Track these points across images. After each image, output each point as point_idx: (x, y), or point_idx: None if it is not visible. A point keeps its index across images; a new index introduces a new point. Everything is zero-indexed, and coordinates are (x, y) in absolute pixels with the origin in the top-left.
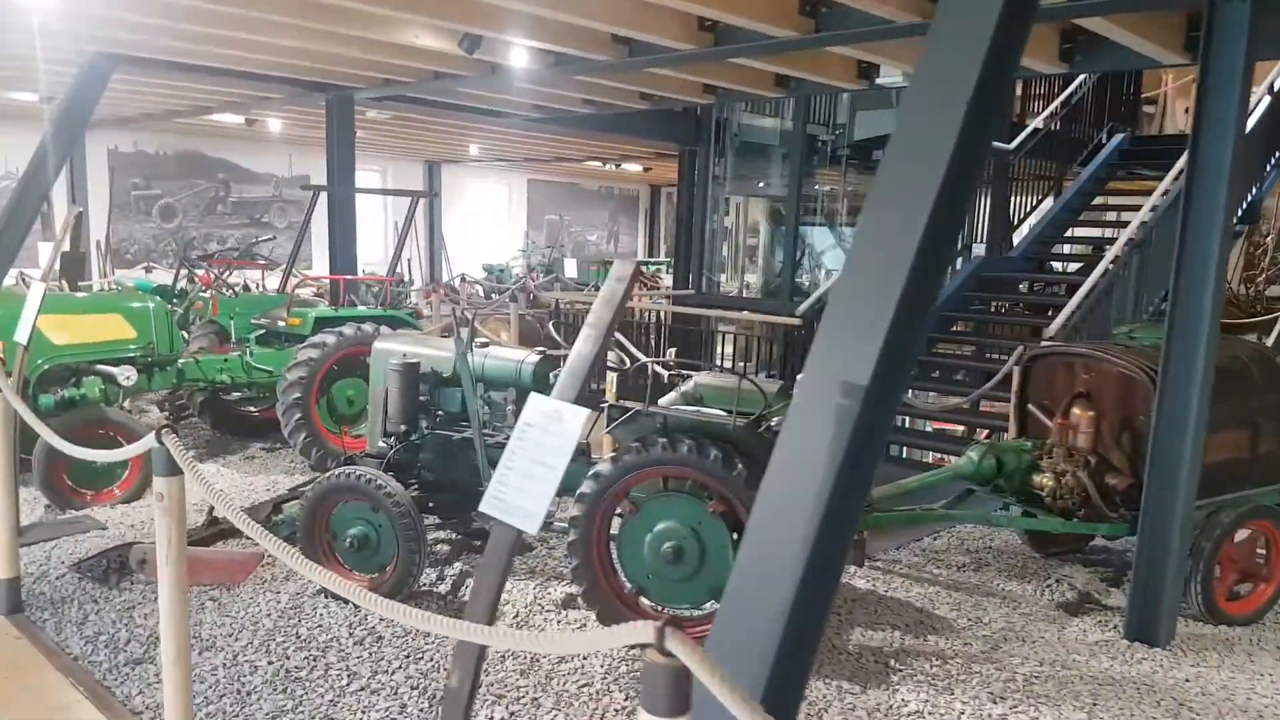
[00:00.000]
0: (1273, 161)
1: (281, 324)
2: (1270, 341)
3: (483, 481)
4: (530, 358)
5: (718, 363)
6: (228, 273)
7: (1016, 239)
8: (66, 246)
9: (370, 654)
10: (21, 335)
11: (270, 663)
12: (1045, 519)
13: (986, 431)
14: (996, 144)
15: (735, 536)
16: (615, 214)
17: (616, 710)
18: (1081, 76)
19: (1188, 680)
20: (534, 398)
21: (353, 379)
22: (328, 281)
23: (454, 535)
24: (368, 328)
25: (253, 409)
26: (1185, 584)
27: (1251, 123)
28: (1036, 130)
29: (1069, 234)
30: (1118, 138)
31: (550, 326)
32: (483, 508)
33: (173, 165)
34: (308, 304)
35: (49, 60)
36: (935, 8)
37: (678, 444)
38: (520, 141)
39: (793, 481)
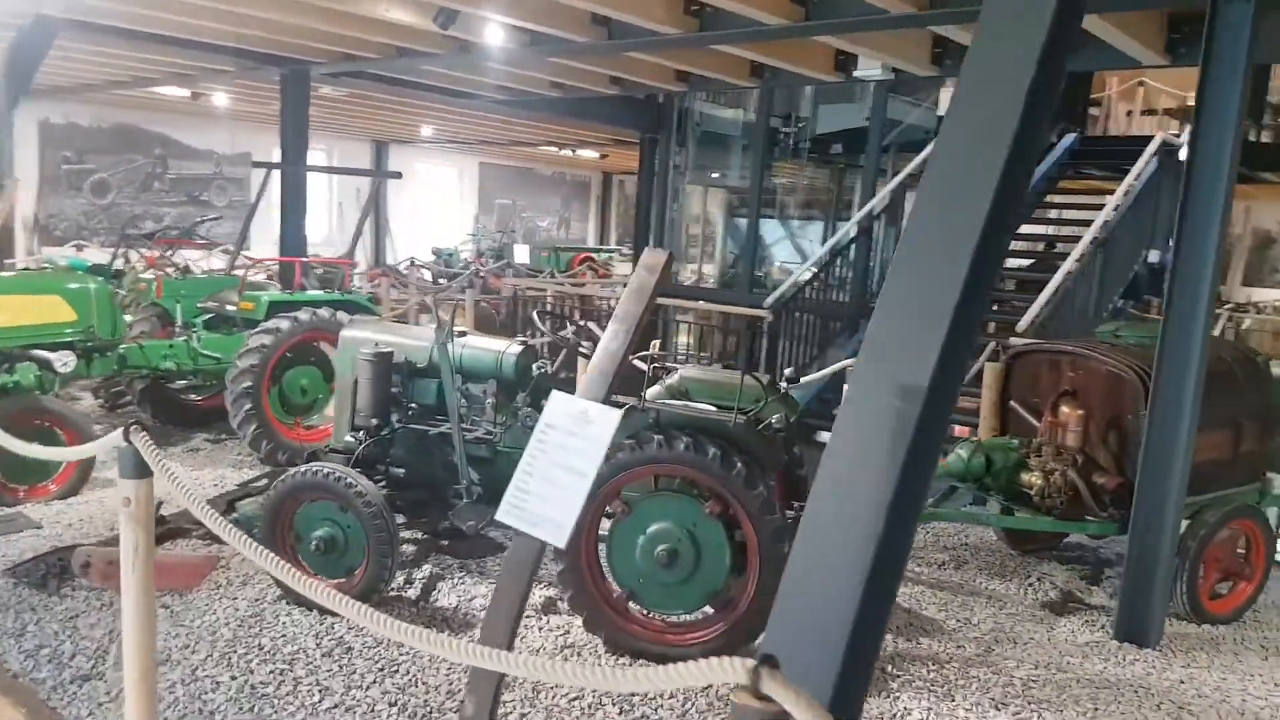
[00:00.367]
0: None
1: (231, 308)
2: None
3: (460, 479)
4: (512, 348)
5: (681, 355)
6: (171, 252)
7: None
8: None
9: (341, 667)
10: None
11: (233, 678)
12: (1036, 518)
13: (968, 429)
14: None
15: (732, 537)
16: (567, 200)
17: None
18: None
19: (1182, 682)
20: (556, 397)
21: (306, 367)
22: (276, 264)
23: (420, 535)
24: (324, 313)
25: (195, 397)
26: (1171, 583)
27: None
28: None
29: (1021, 231)
30: (1069, 138)
31: (537, 315)
32: (501, 517)
33: (107, 139)
34: (258, 287)
35: None
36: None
37: (674, 441)
38: (476, 123)
39: (851, 486)
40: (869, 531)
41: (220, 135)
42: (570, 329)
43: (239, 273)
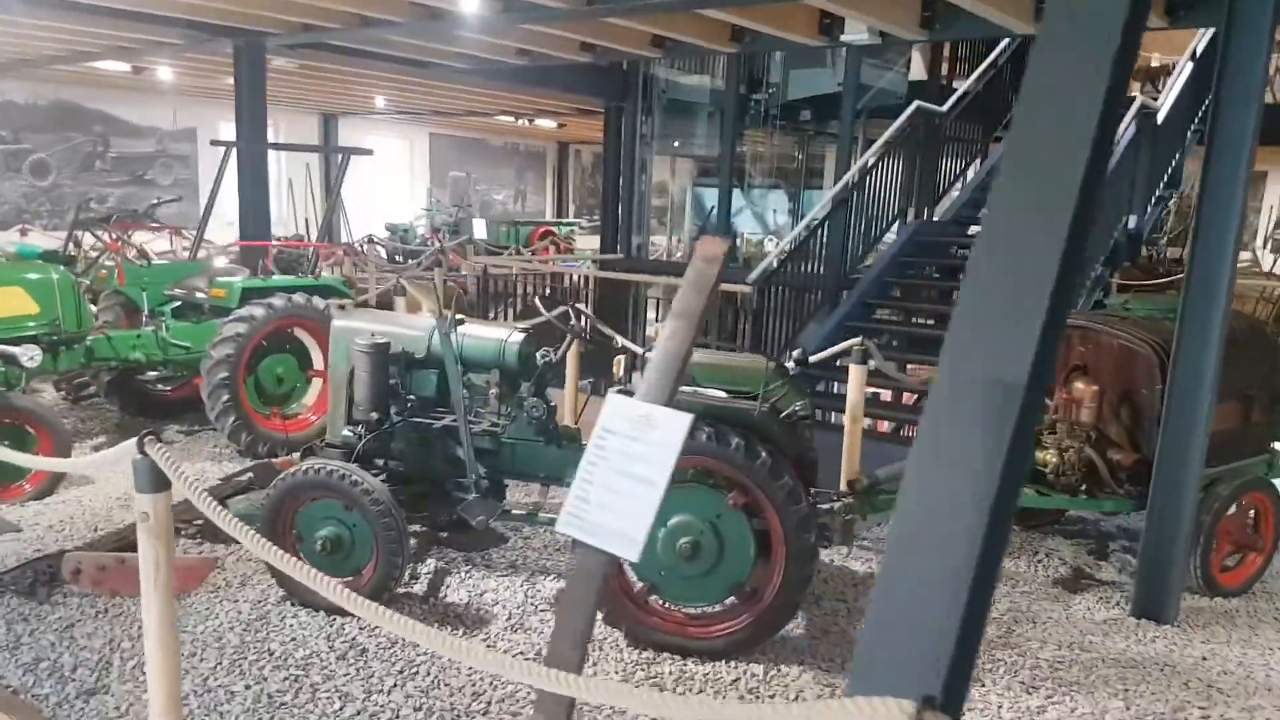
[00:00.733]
0: (1193, 127)
1: (201, 295)
2: None
3: (468, 473)
4: (514, 337)
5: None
6: (130, 235)
7: (946, 204)
8: None
9: (358, 670)
10: None
11: (247, 687)
12: (1053, 496)
13: None
14: (929, 106)
15: (757, 529)
16: (521, 171)
17: None
18: (1004, 42)
19: (1205, 659)
20: (614, 400)
21: (281, 355)
22: (237, 248)
23: (418, 528)
24: (299, 298)
25: (165, 388)
26: (1186, 558)
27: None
28: (964, 94)
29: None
30: None
31: (538, 300)
32: (561, 528)
33: (44, 117)
34: (228, 273)
35: None
36: None
37: (695, 431)
38: (432, 94)
39: (947, 488)
40: (971, 536)
41: (162, 111)
42: (562, 309)
43: (203, 256)
